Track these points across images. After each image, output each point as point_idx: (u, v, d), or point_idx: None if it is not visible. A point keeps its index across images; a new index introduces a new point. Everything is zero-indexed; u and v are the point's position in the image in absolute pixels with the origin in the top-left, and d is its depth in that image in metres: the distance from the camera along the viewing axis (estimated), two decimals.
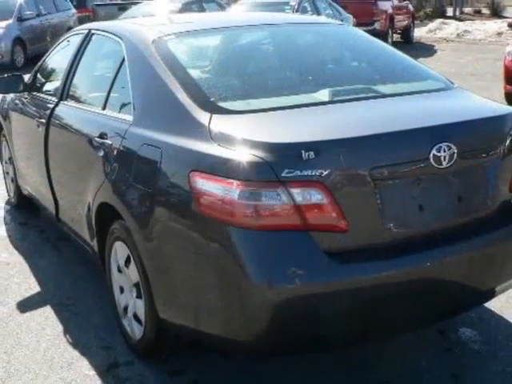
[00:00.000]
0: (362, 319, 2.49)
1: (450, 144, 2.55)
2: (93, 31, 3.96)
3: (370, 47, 3.74)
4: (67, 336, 3.34)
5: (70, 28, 14.10)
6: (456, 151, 2.56)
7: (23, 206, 5.20)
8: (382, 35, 14.37)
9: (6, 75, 4.61)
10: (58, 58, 4.48)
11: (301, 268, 2.35)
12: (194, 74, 3.09)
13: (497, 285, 2.80)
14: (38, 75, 4.64)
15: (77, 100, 3.89)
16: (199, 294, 2.58)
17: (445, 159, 2.54)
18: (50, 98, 4.19)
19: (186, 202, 2.54)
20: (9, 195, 5.50)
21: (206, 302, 2.56)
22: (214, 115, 2.67)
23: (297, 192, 2.35)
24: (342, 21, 10.94)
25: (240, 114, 2.72)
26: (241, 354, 2.83)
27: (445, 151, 2.53)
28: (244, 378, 2.94)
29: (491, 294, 2.88)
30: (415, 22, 20.44)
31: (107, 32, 3.73)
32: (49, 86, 4.43)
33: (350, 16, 14.70)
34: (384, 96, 3.01)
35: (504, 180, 2.78)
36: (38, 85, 4.56)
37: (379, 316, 2.51)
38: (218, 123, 2.62)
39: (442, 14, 26.04)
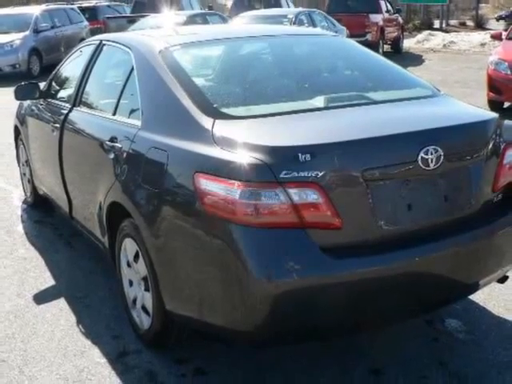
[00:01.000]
0: (355, 310, 2.49)
1: (436, 147, 2.55)
2: (104, 42, 3.96)
3: (362, 57, 3.74)
4: (80, 326, 3.34)
5: (82, 39, 14.12)
6: (442, 154, 2.56)
7: (39, 205, 5.20)
8: (373, 46, 14.33)
9: (23, 83, 4.59)
10: (71, 67, 4.48)
11: (298, 263, 2.35)
12: (199, 81, 3.10)
13: (480, 278, 2.80)
14: (53, 83, 4.64)
15: (89, 106, 3.89)
16: (203, 287, 2.58)
17: (432, 161, 2.54)
18: (63, 104, 4.19)
19: (191, 202, 2.54)
20: (25, 195, 5.49)
21: (209, 295, 2.56)
22: (216, 120, 2.67)
23: (294, 192, 2.35)
24: (336, 32, 10.94)
25: (241, 120, 2.72)
26: (241, 343, 2.83)
27: (432, 154, 2.54)
28: (245, 365, 2.93)
29: (475, 287, 2.88)
30: (404, 33, 20.43)
31: (117, 43, 3.74)
32: (63, 93, 4.42)
33: (344, 28, 14.72)
34: (375, 102, 3.01)
35: (487, 181, 2.78)
36: (53, 92, 4.56)
37: (371, 307, 2.52)
38: (221, 128, 2.62)
39: (429, 26, 26.02)
